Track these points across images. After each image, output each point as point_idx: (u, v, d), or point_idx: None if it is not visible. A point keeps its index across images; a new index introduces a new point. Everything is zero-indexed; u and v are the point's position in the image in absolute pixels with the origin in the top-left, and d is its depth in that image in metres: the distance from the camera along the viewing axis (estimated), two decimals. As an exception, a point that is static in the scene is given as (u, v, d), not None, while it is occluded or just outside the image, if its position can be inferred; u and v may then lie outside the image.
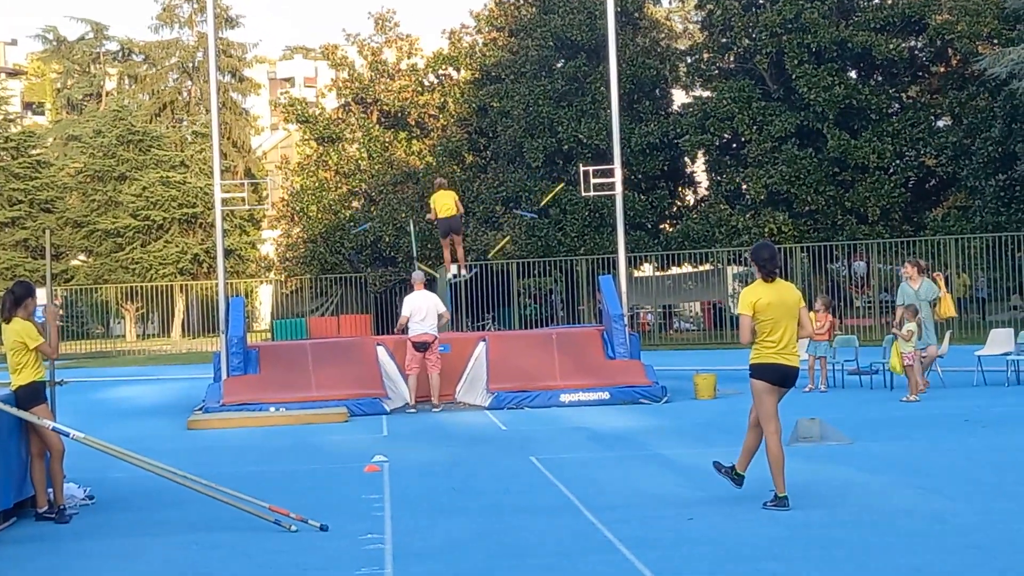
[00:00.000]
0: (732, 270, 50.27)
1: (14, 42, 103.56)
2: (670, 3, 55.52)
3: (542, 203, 44.18)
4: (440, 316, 23.19)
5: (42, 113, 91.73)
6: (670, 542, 9.58)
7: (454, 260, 27.40)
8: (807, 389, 23.44)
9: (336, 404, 21.70)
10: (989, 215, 42.71)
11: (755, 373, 12.00)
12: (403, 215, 49.28)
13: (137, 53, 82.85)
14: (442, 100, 56.48)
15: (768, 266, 12.35)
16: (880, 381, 24.15)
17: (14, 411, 11.49)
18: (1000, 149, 42.38)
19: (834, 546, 9.35)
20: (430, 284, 49.23)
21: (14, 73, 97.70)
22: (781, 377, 11.93)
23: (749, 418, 12.35)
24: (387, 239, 50.11)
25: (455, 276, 27.97)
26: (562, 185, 44.96)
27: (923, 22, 46.22)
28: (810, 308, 29.57)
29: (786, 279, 13.11)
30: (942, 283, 22.94)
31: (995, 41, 43.41)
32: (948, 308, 22.05)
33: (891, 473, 12.82)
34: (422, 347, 22.59)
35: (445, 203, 26.47)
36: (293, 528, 10.45)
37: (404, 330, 23.46)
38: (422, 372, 22.80)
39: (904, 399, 21.04)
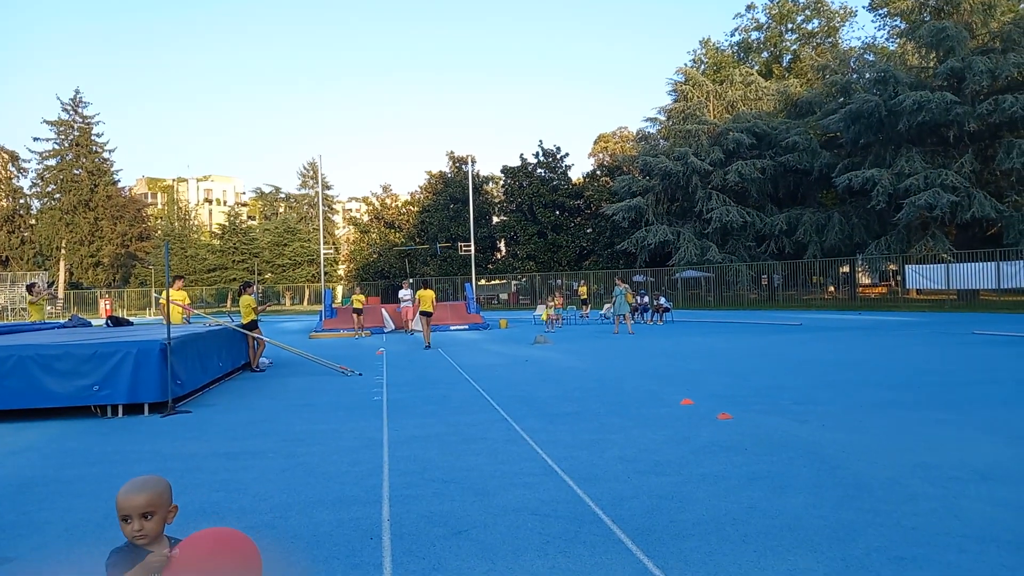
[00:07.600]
0: (514, 283, 47.72)
1: (244, 192, 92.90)
2: (492, 185, 53.04)
3: (439, 248, 42.52)
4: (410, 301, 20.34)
5: (255, 219, 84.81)
6: (497, 379, 9.01)
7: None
8: (550, 329, 20.35)
9: (368, 329, 20.65)
10: (603, 264, 42.78)
11: (419, 313, 12.45)
12: (390, 264, 47.46)
13: (292, 198, 75.35)
14: (407, 218, 53.77)
15: (418, 285, 12.83)
16: (580, 324, 22.24)
17: (245, 332, 10.94)
18: (609, 240, 42.71)
19: (543, 377, 9.03)
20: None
21: (244, 204, 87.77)
22: (427, 315, 12.23)
23: (424, 329, 13.34)
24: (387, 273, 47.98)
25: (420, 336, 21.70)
26: (450, 245, 43.83)
27: (583, 194, 45.75)
28: (550, 296, 28.28)
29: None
30: (627, 287, 18.36)
31: (608, 200, 43.28)
32: (630, 297, 18.19)
33: (568, 354, 12.30)
34: (399, 308, 21.11)
35: (425, 298, 19.57)
36: (349, 374, 9.98)
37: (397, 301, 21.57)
38: (397, 318, 21.29)
39: (615, 333, 17.52)
